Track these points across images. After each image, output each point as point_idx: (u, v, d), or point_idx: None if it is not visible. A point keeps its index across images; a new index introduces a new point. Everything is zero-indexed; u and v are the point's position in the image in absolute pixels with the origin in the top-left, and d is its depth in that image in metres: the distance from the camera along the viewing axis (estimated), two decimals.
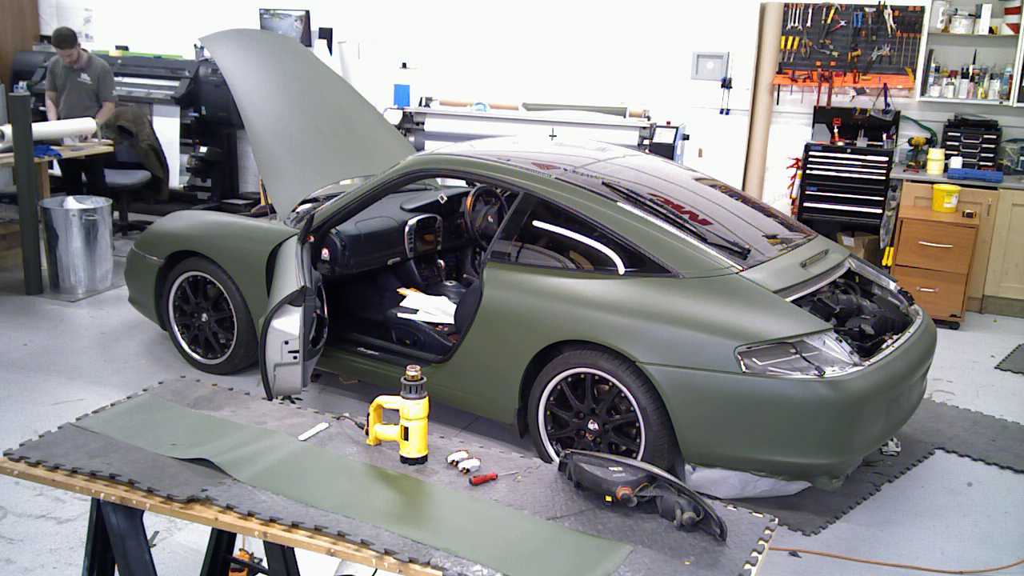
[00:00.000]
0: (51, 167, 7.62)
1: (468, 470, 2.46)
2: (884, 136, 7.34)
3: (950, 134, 7.16)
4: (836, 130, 7.44)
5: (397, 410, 2.49)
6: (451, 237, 5.72)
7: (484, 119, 7.56)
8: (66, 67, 7.62)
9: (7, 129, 6.54)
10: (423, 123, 7.71)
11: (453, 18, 8.52)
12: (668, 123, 7.13)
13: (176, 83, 8.73)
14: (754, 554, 2.15)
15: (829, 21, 7.37)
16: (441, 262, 5.74)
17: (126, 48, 9.42)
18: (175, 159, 8.72)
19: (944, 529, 4.00)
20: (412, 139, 7.56)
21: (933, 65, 7.14)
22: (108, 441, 2.56)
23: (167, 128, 8.73)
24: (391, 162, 5.19)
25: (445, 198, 5.71)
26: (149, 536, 3.22)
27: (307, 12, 8.77)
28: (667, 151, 6.85)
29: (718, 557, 2.13)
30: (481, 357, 4.37)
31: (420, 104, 7.99)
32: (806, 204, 7.37)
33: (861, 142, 7.29)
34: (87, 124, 7.55)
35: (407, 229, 5.37)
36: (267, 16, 8.88)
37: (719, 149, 7.80)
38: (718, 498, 3.85)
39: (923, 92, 7.17)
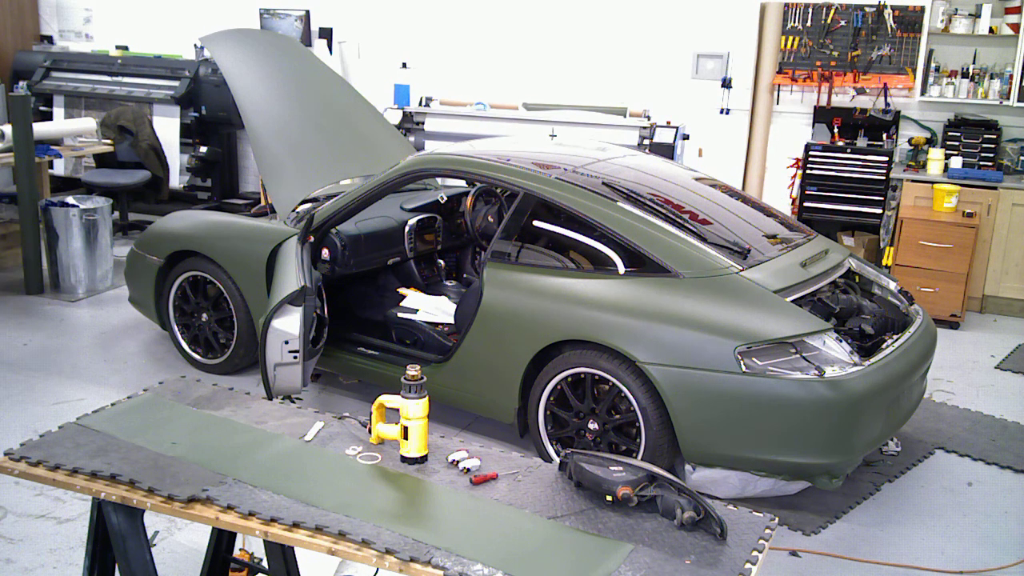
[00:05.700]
0: (51, 167, 7.61)
1: (468, 469, 2.46)
2: (884, 136, 7.34)
3: (950, 134, 7.16)
4: (836, 130, 7.44)
5: (397, 409, 2.49)
6: (451, 237, 5.72)
7: (484, 119, 7.56)
8: None
9: (7, 129, 6.54)
10: (423, 123, 7.71)
11: (453, 18, 8.52)
12: (668, 123, 7.13)
13: (176, 83, 8.72)
14: (754, 553, 2.16)
15: (829, 21, 7.37)
16: (441, 262, 5.74)
17: (126, 48, 9.41)
18: (175, 159, 8.72)
19: (944, 529, 4.00)
20: (412, 139, 7.56)
21: (933, 65, 7.14)
22: (109, 441, 2.56)
23: (167, 128, 8.73)
24: (391, 162, 5.19)
25: (445, 198, 5.71)
26: (149, 536, 3.22)
27: (307, 12, 8.77)
28: (667, 151, 6.85)
29: (718, 556, 2.13)
30: (481, 357, 4.37)
31: (420, 104, 7.99)
32: (806, 204, 7.37)
33: (861, 142, 7.29)
34: (87, 124, 7.56)
35: (407, 229, 5.37)
36: (267, 16, 8.88)
37: (719, 149, 7.80)
38: (718, 498, 3.85)
39: (923, 92, 7.17)
